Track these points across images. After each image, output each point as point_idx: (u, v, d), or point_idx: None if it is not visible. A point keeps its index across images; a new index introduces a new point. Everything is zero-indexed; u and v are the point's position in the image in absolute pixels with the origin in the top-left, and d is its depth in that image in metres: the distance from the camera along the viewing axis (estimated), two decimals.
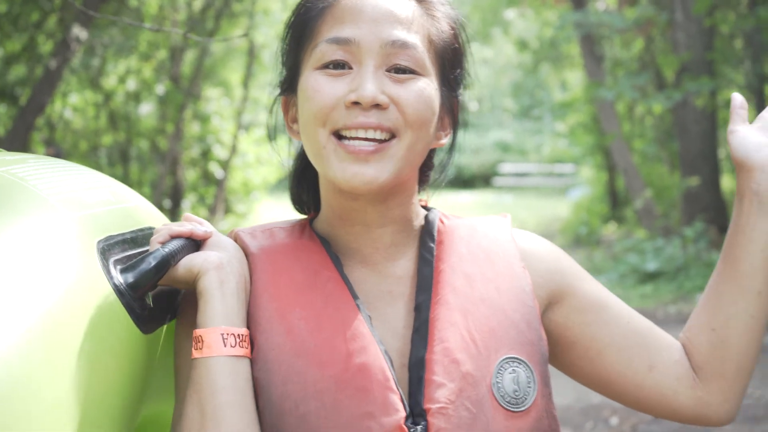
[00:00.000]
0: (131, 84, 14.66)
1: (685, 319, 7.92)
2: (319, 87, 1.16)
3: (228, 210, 15.52)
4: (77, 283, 1.03)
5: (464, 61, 1.28)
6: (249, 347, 1.13)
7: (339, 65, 1.17)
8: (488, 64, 19.53)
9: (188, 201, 14.92)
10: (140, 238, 1.21)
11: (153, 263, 1.12)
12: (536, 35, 14.84)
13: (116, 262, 1.13)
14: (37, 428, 0.90)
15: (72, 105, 14.71)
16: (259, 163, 15.84)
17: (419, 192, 1.32)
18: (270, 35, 15.15)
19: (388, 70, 1.16)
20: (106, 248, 1.12)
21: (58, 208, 1.10)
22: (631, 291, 9.06)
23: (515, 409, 1.14)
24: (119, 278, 1.11)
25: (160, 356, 1.23)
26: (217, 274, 1.13)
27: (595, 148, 14.58)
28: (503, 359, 1.15)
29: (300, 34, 1.23)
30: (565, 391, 5.55)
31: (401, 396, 1.12)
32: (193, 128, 15.12)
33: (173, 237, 1.17)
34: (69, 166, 1.29)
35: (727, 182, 11.87)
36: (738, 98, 1.27)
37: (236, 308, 1.13)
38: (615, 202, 14.45)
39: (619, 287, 9.30)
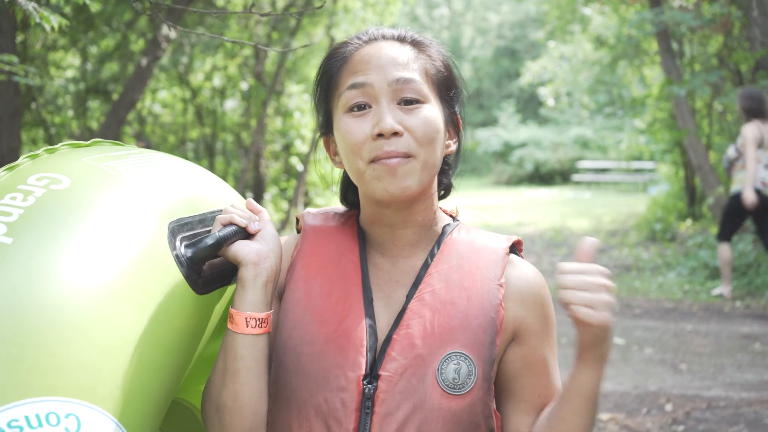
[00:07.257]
0: (217, 80, 15.20)
1: (751, 314, 8.00)
2: (350, 128, 1.45)
3: (308, 203, 15.91)
4: (146, 254, 1.33)
5: (457, 84, 1.58)
6: (269, 325, 1.46)
7: (361, 107, 1.46)
8: (567, 60, 19.45)
9: (270, 193, 15.31)
10: (208, 219, 1.51)
11: (208, 243, 1.42)
12: (614, 33, 14.77)
13: (183, 238, 1.43)
14: (98, 357, 1.19)
15: (161, 100, 15.35)
16: None
17: (442, 197, 1.63)
18: (350, 32, 15.48)
19: (399, 103, 1.45)
20: (176, 229, 1.42)
21: (141, 199, 1.40)
22: (700, 286, 9.10)
23: (451, 392, 1.41)
24: (182, 251, 1.41)
25: (220, 311, 1.57)
26: (254, 268, 1.44)
27: (673, 144, 14.48)
28: (452, 352, 1.43)
29: (327, 86, 1.53)
30: (623, 379, 5.72)
31: (367, 360, 1.43)
32: (275, 123, 15.52)
33: (232, 224, 1.46)
34: (164, 161, 1.58)
35: None
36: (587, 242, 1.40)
37: (262, 297, 1.44)
38: (692, 199, 14.30)
39: (688, 282, 9.36)
